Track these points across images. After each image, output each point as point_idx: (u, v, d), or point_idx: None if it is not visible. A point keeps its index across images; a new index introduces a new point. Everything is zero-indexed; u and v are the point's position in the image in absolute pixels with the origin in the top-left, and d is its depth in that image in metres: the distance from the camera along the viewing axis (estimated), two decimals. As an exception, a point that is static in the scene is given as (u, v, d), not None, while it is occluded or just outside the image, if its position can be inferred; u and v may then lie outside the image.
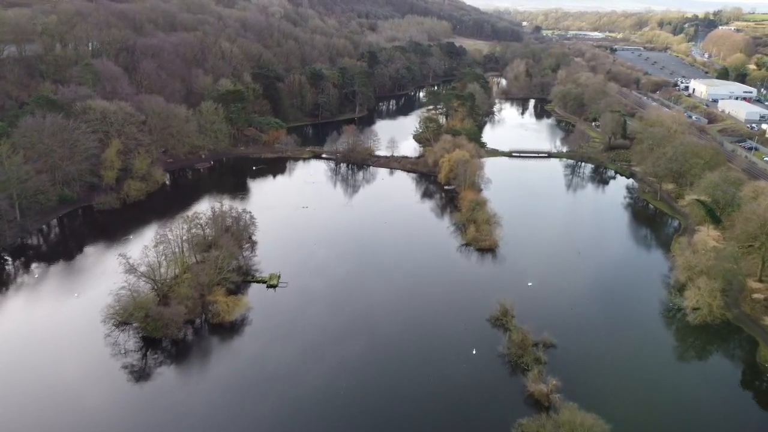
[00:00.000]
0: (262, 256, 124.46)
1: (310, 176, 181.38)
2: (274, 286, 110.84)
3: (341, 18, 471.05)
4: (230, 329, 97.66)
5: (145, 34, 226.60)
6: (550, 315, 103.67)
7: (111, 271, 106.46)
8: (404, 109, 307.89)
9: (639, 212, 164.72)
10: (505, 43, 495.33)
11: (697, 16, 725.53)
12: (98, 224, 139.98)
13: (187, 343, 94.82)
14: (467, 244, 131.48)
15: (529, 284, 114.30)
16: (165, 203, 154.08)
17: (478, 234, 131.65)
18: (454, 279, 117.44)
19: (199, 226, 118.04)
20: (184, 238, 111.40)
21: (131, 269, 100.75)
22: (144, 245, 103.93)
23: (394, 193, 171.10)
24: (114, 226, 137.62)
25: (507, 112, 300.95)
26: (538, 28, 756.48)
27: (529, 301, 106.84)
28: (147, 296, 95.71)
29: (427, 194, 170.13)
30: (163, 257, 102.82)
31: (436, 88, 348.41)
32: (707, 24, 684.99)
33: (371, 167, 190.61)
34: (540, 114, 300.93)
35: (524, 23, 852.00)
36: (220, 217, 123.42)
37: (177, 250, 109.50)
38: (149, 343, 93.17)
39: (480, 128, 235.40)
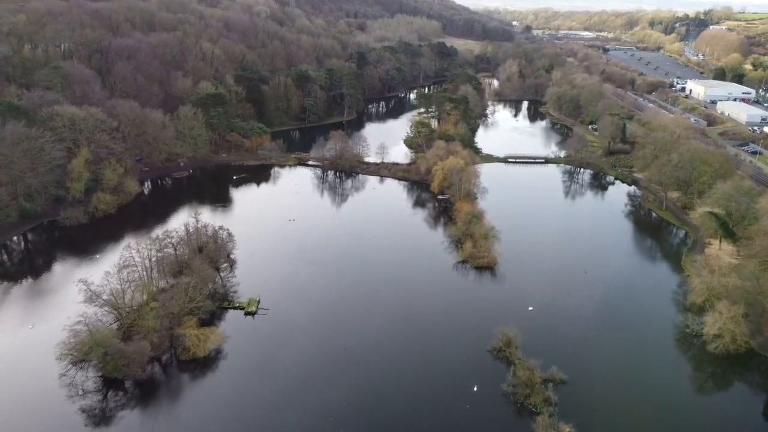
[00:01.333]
0: (241, 277, 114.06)
1: (296, 186, 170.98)
2: (252, 313, 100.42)
3: (329, 17, 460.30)
4: (203, 366, 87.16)
5: (122, 34, 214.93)
6: (557, 344, 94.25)
7: (71, 298, 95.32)
8: (394, 112, 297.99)
9: (644, 223, 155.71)
10: (496, 43, 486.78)
11: (687, 16, 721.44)
12: (63, 241, 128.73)
13: (153, 383, 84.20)
14: (464, 262, 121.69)
15: (530, 309, 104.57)
16: (138, 217, 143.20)
17: (476, 250, 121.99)
18: (450, 302, 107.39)
19: (170, 245, 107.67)
20: (153, 260, 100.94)
21: (92, 297, 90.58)
22: (105, 271, 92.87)
23: (384, 203, 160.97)
24: (81, 244, 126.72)
25: (500, 114, 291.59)
26: (528, 28, 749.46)
27: (533, 327, 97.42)
28: (107, 330, 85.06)
29: (419, 204, 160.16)
30: (128, 284, 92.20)
31: (426, 90, 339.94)
32: (698, 23, 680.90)
33: (360, 175, 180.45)
34: (534, 116, 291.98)
35: (514, 23, 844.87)
36: (194, 236, 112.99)
37: (144, 273, 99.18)
38: (110, 382, 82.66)
39: (473, 131, 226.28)
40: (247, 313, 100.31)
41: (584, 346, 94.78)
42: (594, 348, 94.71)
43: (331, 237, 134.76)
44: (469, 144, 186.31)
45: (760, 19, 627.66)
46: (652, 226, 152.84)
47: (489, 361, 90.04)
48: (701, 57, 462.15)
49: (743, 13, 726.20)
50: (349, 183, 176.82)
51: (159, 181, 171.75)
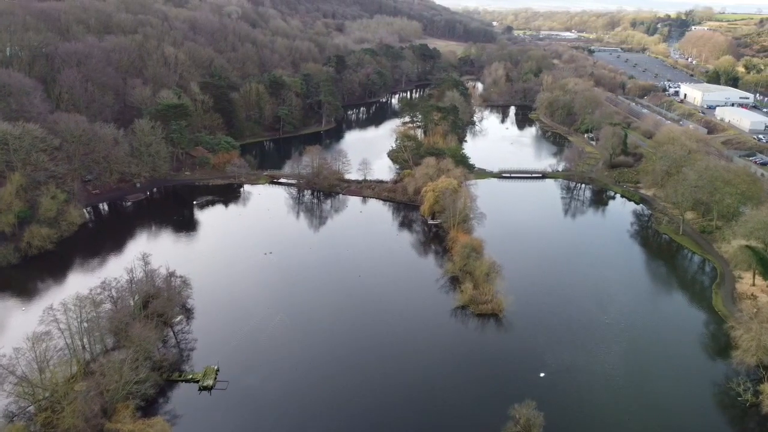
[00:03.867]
0: (199, 332, 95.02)
1: (268, 210, 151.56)
2: (209, 388, 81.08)
3: (305, 18, 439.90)
4: (140, 469, 67.89)
5: (72, 37, 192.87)
6: (586, 426, 76.62)
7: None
8: (376, 119, 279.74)
9: (658, 250, 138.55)
10: (480, 44, 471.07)
11: (669, 16, 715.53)
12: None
13: (74, 497, 64.81)
14: (463, 307, 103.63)
15: (542, 375, 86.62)
16: (82, 253, 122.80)
17: (477, 293, 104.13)
18: (451, 367, 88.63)
19: (110, 299, 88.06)
20: (84, 324, 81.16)
21: (2, 377, 70.97)
22: (14, 347, 72.70)
23: (368, 230, 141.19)
24: (8, 289, 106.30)
25: (488, 121, 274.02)
26: (509, 29, 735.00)
27: (554, 400, 79.67)
28: (10, 430, 65.23)
29: (408, 231, 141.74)
30: (45, 362, 72.33)
31: (409, 94, 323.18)
32: (679, 24, 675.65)
33: (340, 195, 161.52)
34: (523, 123, 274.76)
35: (494, 23, 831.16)
36: (140, 284, 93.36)
37: (71, 341, 79.59)
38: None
39: (461, 141, 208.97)
40: (202, 388, 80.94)
41: (620, 427, 77.21)
42: (633, 427, 77.16)
43: (307, 276, 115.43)
44: (462, 160, 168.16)
45: (742, 19, 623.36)
46: (667, 254, 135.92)
47: (505, 452, 72.08)
48: (691, 61, 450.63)
49: (723, 13, 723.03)
50: (328, 204, 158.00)
51: (111, 206, 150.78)
